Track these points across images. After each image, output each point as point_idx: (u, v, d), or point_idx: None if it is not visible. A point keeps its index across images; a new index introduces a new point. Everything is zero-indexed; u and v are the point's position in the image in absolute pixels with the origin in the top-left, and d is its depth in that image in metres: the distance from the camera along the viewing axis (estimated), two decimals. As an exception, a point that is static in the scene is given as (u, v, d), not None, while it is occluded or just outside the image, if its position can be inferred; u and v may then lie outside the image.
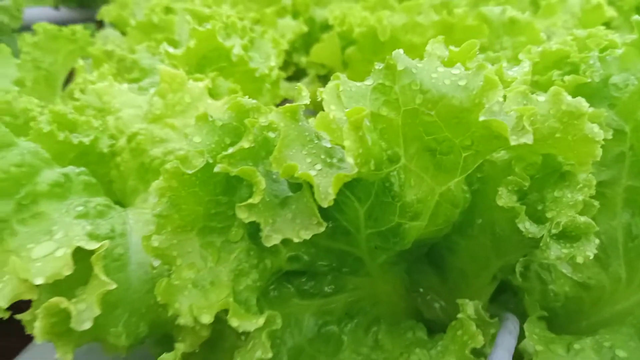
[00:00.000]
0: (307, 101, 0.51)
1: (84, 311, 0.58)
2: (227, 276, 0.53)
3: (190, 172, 0.52)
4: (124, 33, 1.89)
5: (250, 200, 0.49)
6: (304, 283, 0.64)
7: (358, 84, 0.51)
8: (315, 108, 0.60)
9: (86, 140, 0.83)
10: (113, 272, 0.66)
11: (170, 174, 0.53)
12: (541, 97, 0.49)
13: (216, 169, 0.51)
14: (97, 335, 0.65)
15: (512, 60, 0.99)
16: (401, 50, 0.50)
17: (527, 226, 0.52)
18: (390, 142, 0.50)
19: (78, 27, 1.72)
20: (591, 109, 0.50)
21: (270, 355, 0.49)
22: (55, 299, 0.58)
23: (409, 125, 0.50)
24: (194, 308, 0.50)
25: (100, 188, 0.78)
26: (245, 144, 0.50)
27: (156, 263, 0.60)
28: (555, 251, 0.51)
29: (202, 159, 0.53)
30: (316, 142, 0.50)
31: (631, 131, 0.67)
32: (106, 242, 0.59)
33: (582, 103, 0.49)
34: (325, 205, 0.46)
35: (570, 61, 0.74)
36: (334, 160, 0.50)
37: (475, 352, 0.54)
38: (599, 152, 0.51)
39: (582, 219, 0.52)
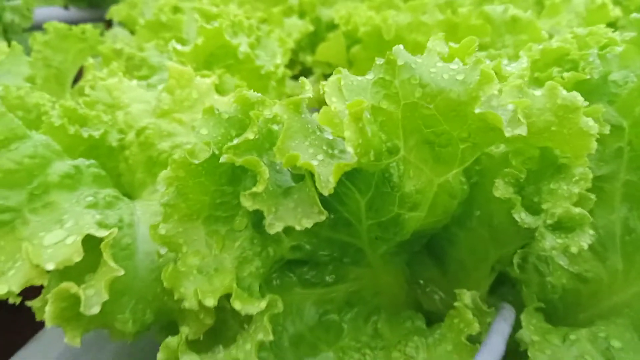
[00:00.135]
0: (310, 94, 0.53)
1: (93, 296, 0.60)
2: (231, 263, 0.54)
3: (197, 162, 0.54)
4: (132, 32, 1.92)
5: (254, 189, 0.50)
6: (305, 272, 0.65)
7: (359, 78, 0.52)
8: (320, 105, 0.62)
9: (96, 134, 0.85)
10: (121, 260, 0.68)
11: (177, 164, 0.55)
12: (537, 92, 0.51)
13: (222, 160, 0.53)
14: (105, 321, 0.67)
15: (514, 57, 1.00)
16: (401, 46, 0.52)
17: (522, 217, 0.53)
18: (390, 134, 0.52)
19: (88, 26, 1.75)
20: (586, 104, 0.51)
21: (271, 337, 0.51)
22: (65, 284, 0.60)
23: (408, 118, 0.52)
24: (198, 292, 0.52)
25: (109, 180, 0.80)
26: (249, 135, 0.52)
27: (163, 251, 0.62)
28: (550, 241, 0.52)
29: (209, 150, 0.55)
30: (318, 133, 0.52)
31: (629, 127, 0.68)
32: (115, 230, 0.61)
33: (577, 97, 0.50)
34: (326, 193, 0.48)
35: (570, 58, 0.75)
36: (336, 152, 0.51)
37: (471, 339, 0.56)
38: (594, 145, 0.52)
39: (577, 210, 0.53)
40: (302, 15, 2.00)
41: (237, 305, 0.51)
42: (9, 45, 1.40)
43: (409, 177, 0.54)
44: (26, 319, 0.77)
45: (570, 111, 0.50)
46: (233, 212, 0.57)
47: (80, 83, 1.48)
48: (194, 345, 0.61)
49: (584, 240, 0.53)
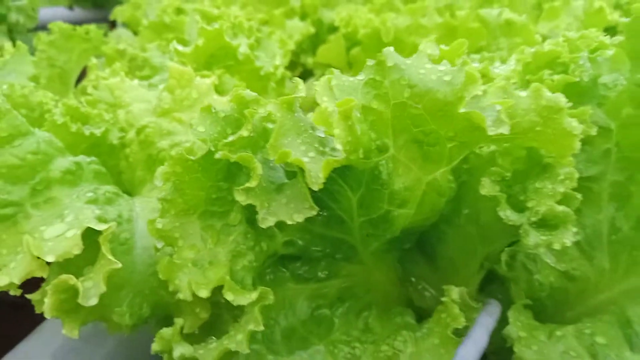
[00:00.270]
0: (303, 94, 0.54)
1: (91, 288, 0.61)
2: (225, 256, 0.56)
3: (193, 158, 0.55)
4: (136, 33, 1.95)
5: (247, 184, 0.52)
6: (298, 268, 0.67)
7: (351, 78, 0.54)
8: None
9: (97, 132, 0.87)
10: (119, 255, 0.70)
11: (175, 160, 0.57)
12: (523, 93, 0.53)
13: (217, 156, 0.54)
14: (102, 314, 0.69)
15: (507, 60, 1.01)
16: (392, 48, 0.54)
17: (507, 214, 0.55)
18: (380, 133, 0.54)
19: (92, 27, 1.78)
20: (570, 105, 0.53)
21: (262, 328, 0.52)
22: (64, 276, 0.61)
23: (397, 118, 0.54)
24: (192, 284, 0.54)
25: (109, 177, 0.82)
26: (244, 132, 0.53)
27: (159, 245, 0.64)
28: (533, 238, 0.54)
29: (205, 147, 0.57)
30: (311, 132, 0.54)
31: (617, 129, 0.70)
32: (113, 224, 0.63)
33: (560, 98, 0.52)
34: (315, 188, 0.50)
35: (561, 61, 0.76)
36: (327, 149, 0.53)
37: (457, 332, 0.58)
38: (578, 145, 0.54)
39: (561, 208, 0.55)
40: (303, 17, 2.02)
41: (229, 296, 0.53)
42: (14, 45, 1.43)
43: (398, 175, 0.56)
44: (27, 314, 0.79)
45: (554, 112, 0.51)
46: (228, 207, 0.59)
47: (83, 82, 1.50)
48: (189, 337, 0.62)
49: (568, 237, 0.54)
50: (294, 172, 0.56)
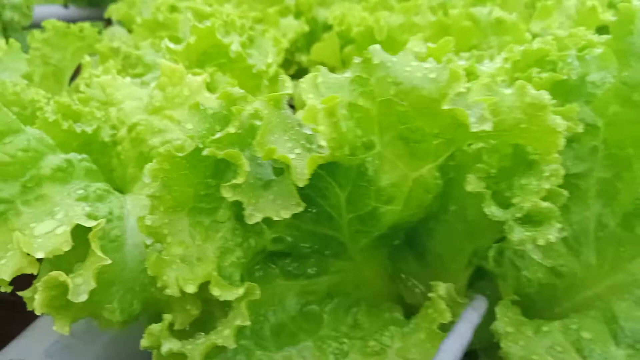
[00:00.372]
0: (290, 91, 0.55)
1: (81, 285, 0.62)
2: (213, 253, 0.57)
3: (181, 155, 0.56)
4: (130, 31, 1.95)
5: (234, 181, 0.53)
6: (288, 264, 0.68)
7: (337, 75, 0.55)
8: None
9: (89, 130, 0.87)
10: (110, 252, 0.70)
11: (163, 157, 0.57)
12: (507, 90, 0.53)
13: (204, 153, 0.55)
14: (93, 310, 0.69)
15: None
16: (378, 46, 0.54)
17: (492, 210, 0.56)
18: (367, 130, 0.54)
19: (86, 25, 1.77)
20: (554, 102, 0.53)
21: (248, 323, 0.53)
22: (54, 273, 0.62)
23: (384, 115, 0.54)
24: (179, 279, 0.54)
25: (100, 174, 0.82)
26: (231, 129, 0.54)
27: (149, 241, 0.65)
28: (518, 234, 0.54)
29: (193, 143, 0.57)
30: (297, 128, 0.54)
31: (604, 126, 0.70)
32: (103, 221, 0.63)
33: (544, 96, 0.52)
34: (300, 184, 0.50)
35: (550, 59, 0.77)
36: (314, 146, 0.53)
37: (444, 327, 0.58)
38: (562, 142, 0.55)
39: (545, 204, 0.55)
40: (298, 15, 2.02)
41: (215, 291, 0.53)
42: (8, 42, 1.43)
43: (385, 172, 0.57)
44: (20, 311, 0.79)
45: (538, 109, 0.52)
46: (216, 204, 0.59)
47: (77, 80, 1.50)
48: (180, 334, 0.63)
49: (552, 233, 0.55)
50: (282, 169, 0.56)
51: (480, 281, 0.76)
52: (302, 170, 0.49)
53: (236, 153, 0.53)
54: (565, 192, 0.61)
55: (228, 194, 0.53)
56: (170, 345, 0.55)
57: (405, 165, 0.57)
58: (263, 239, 0.62)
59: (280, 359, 0.62)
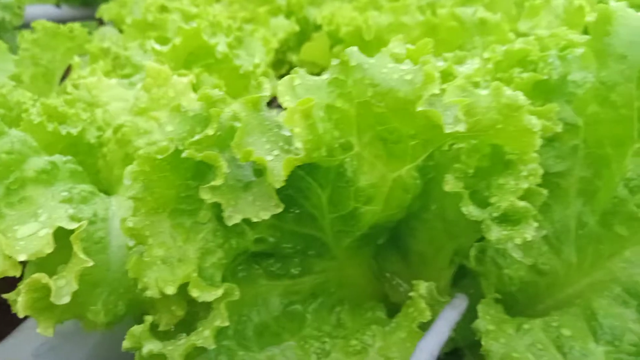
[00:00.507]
0: (268, 93, 0.55)
1: (64, 287, 0.62)
2: (194, 254, 0.57)
3: (160, 157, 0.56)
4: (122, 31, 1.94)
5: (212, 183, 0.53)
6: (271, 264, 0.68)
7: (315, 77, 0.55)
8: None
9: (74, 132, 0.87)
10: (94, 253, 0.71)
11: (143, 160, 0.57)
12: (483, 91, 0.53)
13: (183, 155, 0.55)
14: (77, 312, 0.70)
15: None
16: (355, 48, 0.55)
17: (470, 209, 0.56)
18: (345, 131, 0.55)
19: (76, 25, 1.77)
20: (529, 102, 0.54)
21: (227, 323, 0.53)
22: (36, 275, 0.62)
23: (362, 116, 0.55)
24: (159, 281, 0.54)
25: (85, 176, 0.82)
26: (210, 131, 0.54)
27: (132, 243, 0.65)
28: (495, 233, 0.55)
29: (173, 145, 0.57)
30: (276, 130, 0.54)
31: (584, 125, 0.71)
32: (84, 223, 0.63)
33: (519, 97, 0.53)
34: (277, 186, 0.51)
35: (531, 60, 0.78)
36: (292, 147, 0.54)
37: (423, 326, 0.59)
38: (538, 142, 0.55)
39: (522, 204, 0.56)
40: (289, 15, 2.02)
41: (194, 292, 0.53)
42: (-1, 42, 1.42)
43: (363, 173, 0.57)
44: (8, 313, 0.79)
45: (513, 110, 0.52)
46: (197, 205, 0.60)
47: (66, 81, 1.50)
48: (163, 335, 0.63)
49: (529, 232, 0.55)
50: (261, 170, 0.56)
51: (464, 279, 0.77)
52: (278, 172, 0.50)
53: (214, 155, 0.53)
54: (545, 191, 0.62)
55: (207, 196, 0.53)
56: (151, 346, 0.56)
57: (384, 166, 0.57)
58: (245, 240, 0.62)
59: (263, 359, 0.63)
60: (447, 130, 0.48)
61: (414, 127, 0.53)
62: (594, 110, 0.69)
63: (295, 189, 0.63)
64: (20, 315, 0.63)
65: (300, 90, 0.53)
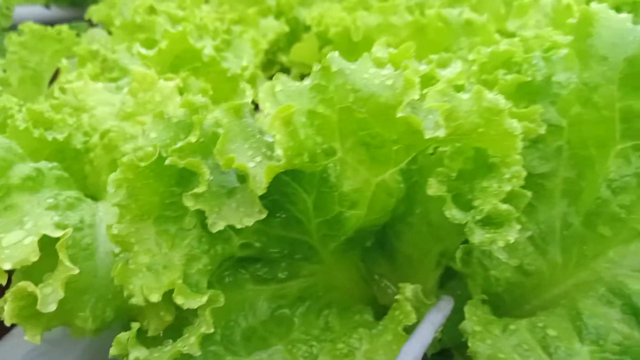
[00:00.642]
0: (250, 99, 0.55)
1: (50, 294, 0.62)
2: (179, 260, 0.57)
3: (143, 164, 0.56)
4: (111, 32, 1.93)
5: (195, 190, 0.53)
6: (258, 269, 0.68)
7: (297, 83, 0.55)
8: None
9: (60, 137, 0.87)
10: (81, 260, 0.71)
11: (126, 166, 0.57)
12: (465, 95, 0.54)
13: (167, 162, 0.55)
14: (65, 319, 0.69)
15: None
16: (336, 53, 0.55)
17: (453, 213, 0.56)
18: (327, 137, 0.55)
19: (64, 27, 1.76)
20: (509, 105, 0.54)
21: (212, 330, 0.53)
22: (22, 283, 0.62)
23: (344, 122, 0.55)
24: (144, 288, 0.54)
25: (72, 182, 0.82)
26: (192, 138, 0.54)
27: (118, 250, 0.65)
28: (478, 236, 0.55)
29: (156, 152, 0.57)
30: (259, 136, 0.55)
31: (567, 126, 0.71)
32: (69, 230, 0.63)
33: (500, 100, 0.53)
34: (259, 193, 0.51)
35: (515, 61, 0.78)
36: (274, 154, 0.54)
37: (409, 328, 0.59)
38: (519, 145, 0.56)
39: (505, 206, 0.56)
40: (279, 15, 2.02)
41: (179, 300, 0.53)
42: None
43: (347, 178, 0.57)
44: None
45: (495, 113, 0.53)
46: (182, 212, 0.60)
47: (53, 85, 1.49)
48: (150, 341, 0.63)
49: (511, 235, 0.56)
50: (245, 177, 0.56)
51: (451, 281, 0.78)
52: (260, 179, 0.50)
53: (197, 162, 0.53)
54: (528, 193, 0.62)
55: (190, 203, 0.53)
56: (137, 353, 0.56)
57: (367, 171, 0.58)
58: (231, 246, 0.62)
59: (250, 364, 0.63)
60: (428, 135, 0.48)
61: (395, 132, 0.53)
62: (577, 112, 0.70)
63: (281, 194, 0.63)
64: (7, 323, 0.63)
65: (281, 96, 0.53)
